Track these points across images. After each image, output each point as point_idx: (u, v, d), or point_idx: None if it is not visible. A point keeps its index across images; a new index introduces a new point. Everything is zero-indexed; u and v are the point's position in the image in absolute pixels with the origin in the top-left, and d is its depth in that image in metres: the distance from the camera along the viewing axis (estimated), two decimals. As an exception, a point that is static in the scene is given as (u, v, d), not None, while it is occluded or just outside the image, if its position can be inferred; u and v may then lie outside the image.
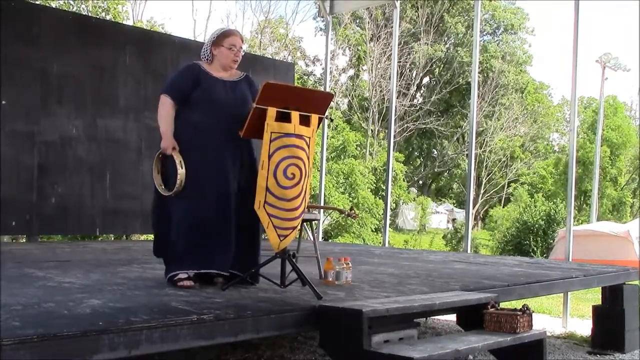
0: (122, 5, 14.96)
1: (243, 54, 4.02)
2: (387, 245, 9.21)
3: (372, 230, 19.87)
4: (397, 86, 20.90)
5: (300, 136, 3.56)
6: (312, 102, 3.68)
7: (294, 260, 3.75)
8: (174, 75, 3.95)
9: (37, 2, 11.41)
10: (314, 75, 30.34)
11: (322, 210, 9.83)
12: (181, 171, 3.67)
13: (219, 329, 2.80)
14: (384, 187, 10.86)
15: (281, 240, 3.51)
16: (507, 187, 33.97)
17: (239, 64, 4.02)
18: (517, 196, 29.80)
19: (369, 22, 28.33)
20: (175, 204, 3.77)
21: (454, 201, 37.99)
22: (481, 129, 30.14)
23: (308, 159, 3.59)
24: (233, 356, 4.61)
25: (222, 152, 3.79)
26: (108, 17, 13.78)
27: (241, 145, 3.84)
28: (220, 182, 3.77)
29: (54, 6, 13.09)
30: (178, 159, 3.70)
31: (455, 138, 33.42)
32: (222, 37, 3.94)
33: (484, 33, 33.17)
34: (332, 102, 6.80)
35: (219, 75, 3.92)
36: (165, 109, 3.81)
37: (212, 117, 3.79)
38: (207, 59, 3.96)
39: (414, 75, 31.51)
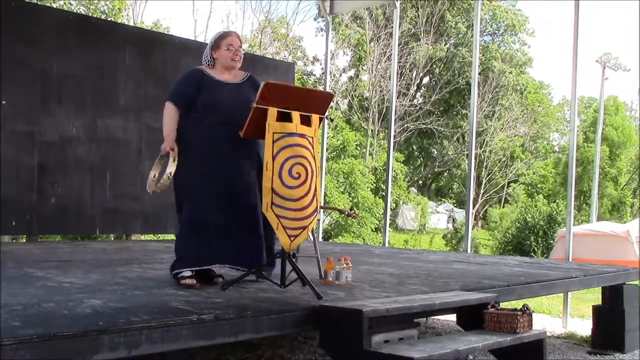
0: (122, 9, 14.96)
1: (243, 53, 4.05)
2: (387, 245, 9.21)
3: (372, 230, 19.87)
4: (397, 86, 20.90)
5: (302, 135, 3.56)
6: (312, 102, 3.68)
7: (294, 260, 3.75)
8: (177, 82, 4.01)
9: (38, 3, 11.40)
10: (314, 75, 30.37)
11: (322, 210, 9.83)
12: (172, 168, 3.72)
13: (219, 329, 2.79)
14: (384, 187, 10.87)
15: (292, 241, 3.50)
16: (507, 187, 33.98)
17: (240, 64, 4.05)
18: (514, 196, 29.78)
19: (369, 22, 28.34)
20: (182, 205, 3.86)
21: (454, 201, 37.98)
22: (481, 129, 30.15)
23: (313, 158, 3.58)
24: (233, 356, 4.61)
25: (227, 154, 3.81)
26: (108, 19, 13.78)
27: (248, 146, 3.83)
28: (225, 183, 3.79)
29: (54, 6, 13.09)
30: (172, 155, 3.76)
31: (455, 138, 33.42)
32: (220, 39, 4.01)
33: (485, 33, 33.19)
34: (332, 102, 6.80)
35: (222, 78, 3.95)
36: (168, 113, 3.88)
37: (216, 120, 3.81)
38: (209, 64, 4.01)
39: (414, 75, 31.51)
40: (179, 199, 3.93)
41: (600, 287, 5.72)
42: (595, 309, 5.75)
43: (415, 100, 31.40)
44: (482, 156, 31.40)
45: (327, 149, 16.29)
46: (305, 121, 3.60)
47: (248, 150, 3.86)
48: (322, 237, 11.06)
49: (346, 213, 4.86)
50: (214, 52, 3.98)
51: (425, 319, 6.06)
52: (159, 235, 10.57)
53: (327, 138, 17.26)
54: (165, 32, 17.75)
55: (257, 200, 3.74)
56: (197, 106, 3.85)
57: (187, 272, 3.75)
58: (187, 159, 3.80)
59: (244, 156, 3.85)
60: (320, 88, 15.90)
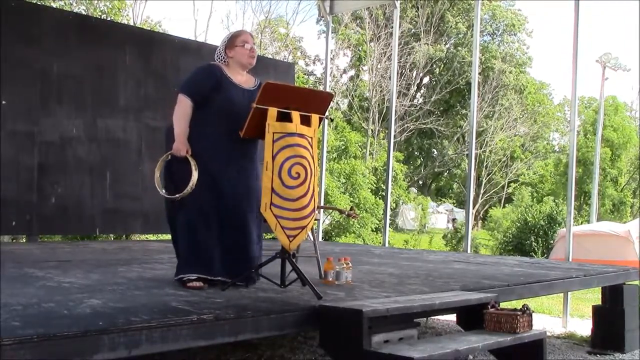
0: (122, 10, 14.98)
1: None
2: (387, 245, 9.21)
3: (372, 230, 19.86)
4: (397, 86, 20.88)
5: (302, 135, 3.55)
6: (312, 102, 3.67)
7: (294, 260, 3.75)
8: (195, 75, 3.86)
9: (38, 3, 11.41)
10: (314, 74, 30.37)
11: (322, 211, 9.83)
12: (195, 175, 3.61)
13: (219, 329, 2.80)
14: (384, 187, 10.87)
15: (291, 241, 3.50)
16: (507, 187, 33.97)
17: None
18: (519, 197, 29.70)
19: (369, 22, 28.34)
20: (182, 207, 3.75)
21: (454, 201, 37.98)
22: (481, 129, 30.15)
23: (312, 158, 3.58)
24: (233, 356, 4.61)
25: (232, 157, 3.76)
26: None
27: (255, 153, 3.81)
28: (228, 184, 3.75)
29: (54, 6, 13.10)
30: (193, 162, 3.64)
31: (455, 138, 33.44)
32: (234, 38, 3.93)
33: (485, 33, 33.19)
34: (332, 102, 6.80)
35: (237, 80, 3.87)
36: (183, 109, 3.72)
37: (226, 122, 3.73)
38: (223, 64, 3.93)
39: (414, 75, 31.52)
40: (180, 200, 3.73)
41: (600, 287, 5.73)
42: (595, 308, 5.75)
43: (415, 100, 31.41)
44: (482, 156, 31.39)
45: (328, 150, 16.27)
46: (305, 121, 3.60)
47: (255, 158, 3.83)
48: (322, 237, 11.06)
49: (346, 213, 4.86)
50: (229, 51, 3.89)
51: (425, 319, 6.06)
52: (159, 235, 10.57)
53: (329, 139, 17.24)
54: (159, 28, 17.73)
55: (258, 203, 3.64)
56: (212, 106, 3.73)
57: (192, 275, 3.71)
58: (195, 162, 3.68)
59: (248, 159, 3.82)
60: (321, 88, 15.90)
